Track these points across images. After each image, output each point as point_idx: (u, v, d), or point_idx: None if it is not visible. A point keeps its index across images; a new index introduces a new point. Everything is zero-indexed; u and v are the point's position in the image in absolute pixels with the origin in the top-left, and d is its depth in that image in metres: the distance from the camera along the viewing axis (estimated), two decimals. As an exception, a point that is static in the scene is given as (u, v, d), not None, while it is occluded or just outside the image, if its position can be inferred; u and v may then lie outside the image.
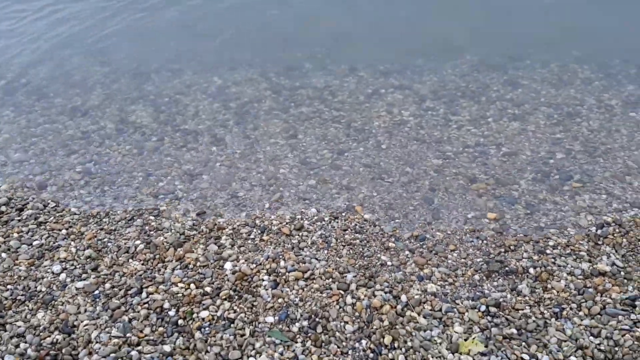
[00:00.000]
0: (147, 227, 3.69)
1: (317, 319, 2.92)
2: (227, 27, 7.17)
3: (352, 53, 6.33)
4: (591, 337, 2.73)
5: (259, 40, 6.78)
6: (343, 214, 3.82)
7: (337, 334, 2.82)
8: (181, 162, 4.57)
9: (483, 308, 2.94)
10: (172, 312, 2.97)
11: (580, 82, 5.33)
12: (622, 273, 3.11)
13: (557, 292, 3.01)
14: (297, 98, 5.47)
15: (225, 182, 4.33)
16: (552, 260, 3.25)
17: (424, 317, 2.90)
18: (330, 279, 3.16)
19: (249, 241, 3.53)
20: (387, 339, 2.77)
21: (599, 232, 3.42)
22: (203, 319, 2.94)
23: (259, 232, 3.63)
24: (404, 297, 3.02)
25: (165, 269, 3.30)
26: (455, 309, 2.94)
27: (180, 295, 3.09)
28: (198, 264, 3.33)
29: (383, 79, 5.68)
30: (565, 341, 2.71)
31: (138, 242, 3.54)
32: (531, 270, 3.19)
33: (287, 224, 3.71)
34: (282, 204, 3.99)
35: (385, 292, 3.05)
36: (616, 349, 2.65)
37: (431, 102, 5.21)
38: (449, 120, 4.93)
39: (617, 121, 4.75)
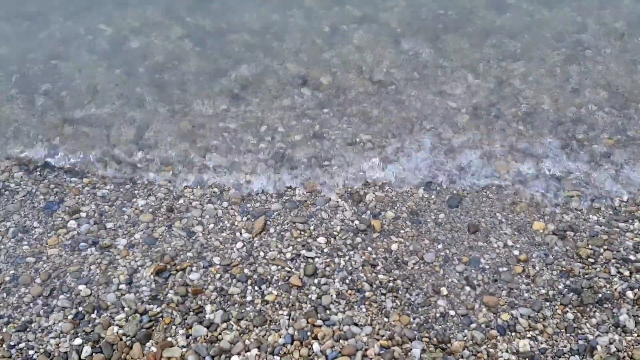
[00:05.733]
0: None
1: None
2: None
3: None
4: None
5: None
6: (359, 241, 2.81)
7: None
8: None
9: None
10: None
11: (569, -4, 4.43)
12: None
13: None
14: (231, 49, 3.97)
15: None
16: (642, 269, 2.64)
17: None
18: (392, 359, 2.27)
19: (249, 308, 2.46)
20: None
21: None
22: None
23: (257, 287, 2.55)
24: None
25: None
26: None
27: None
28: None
29: (338, 8, 4.31)
30: None
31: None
32: (629, 293, 2.55)
33: (289, 265, 2.66)
34: (268, 234, 2.87)
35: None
36: None
37: (409, 42, 4.03)
38: (444, 68, 3.83)
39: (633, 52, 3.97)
